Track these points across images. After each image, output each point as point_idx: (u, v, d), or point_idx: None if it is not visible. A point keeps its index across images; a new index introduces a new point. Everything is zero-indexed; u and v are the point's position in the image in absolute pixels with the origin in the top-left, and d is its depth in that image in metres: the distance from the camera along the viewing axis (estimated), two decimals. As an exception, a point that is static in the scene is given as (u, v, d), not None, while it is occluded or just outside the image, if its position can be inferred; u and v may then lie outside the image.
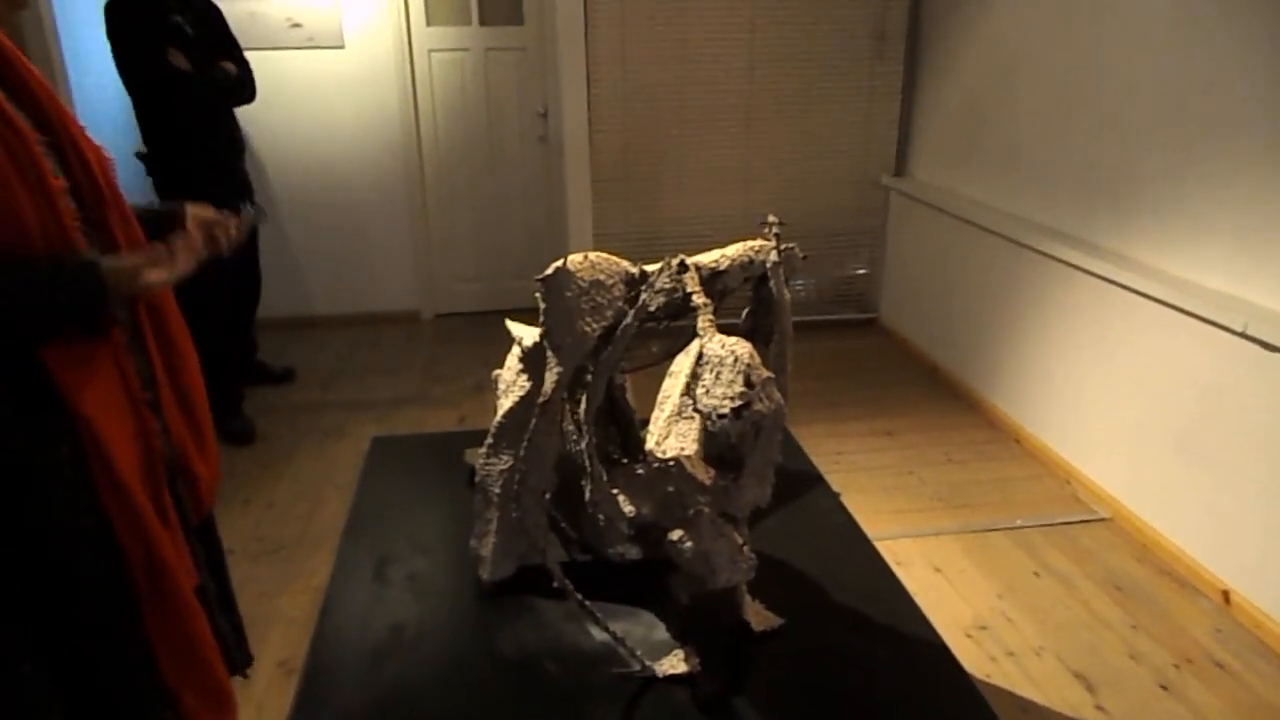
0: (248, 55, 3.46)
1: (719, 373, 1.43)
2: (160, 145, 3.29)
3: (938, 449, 3.31)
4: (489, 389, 3.55)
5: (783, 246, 1.61)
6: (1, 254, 1.07)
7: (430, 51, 4.43)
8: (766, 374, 1.38)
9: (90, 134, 1.27)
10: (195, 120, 3.28)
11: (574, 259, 1.48)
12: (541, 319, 1.54)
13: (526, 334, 1.77)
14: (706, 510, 1.41)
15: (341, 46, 4.32)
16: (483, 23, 4.43)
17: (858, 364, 4.14)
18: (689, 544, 1.39)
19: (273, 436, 3.39)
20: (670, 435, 1.68)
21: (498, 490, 1.57)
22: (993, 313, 3.59)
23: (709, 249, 1.57)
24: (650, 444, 1.68)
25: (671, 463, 1.53)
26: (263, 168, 4.40)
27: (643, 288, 1.45)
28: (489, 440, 1.67)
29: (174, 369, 1.35)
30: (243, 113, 4.15)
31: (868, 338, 4.47)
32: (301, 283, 4.61)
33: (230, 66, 3.38)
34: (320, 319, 4.65)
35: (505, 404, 1.78)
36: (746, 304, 1.73)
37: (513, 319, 1.92)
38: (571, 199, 4.18)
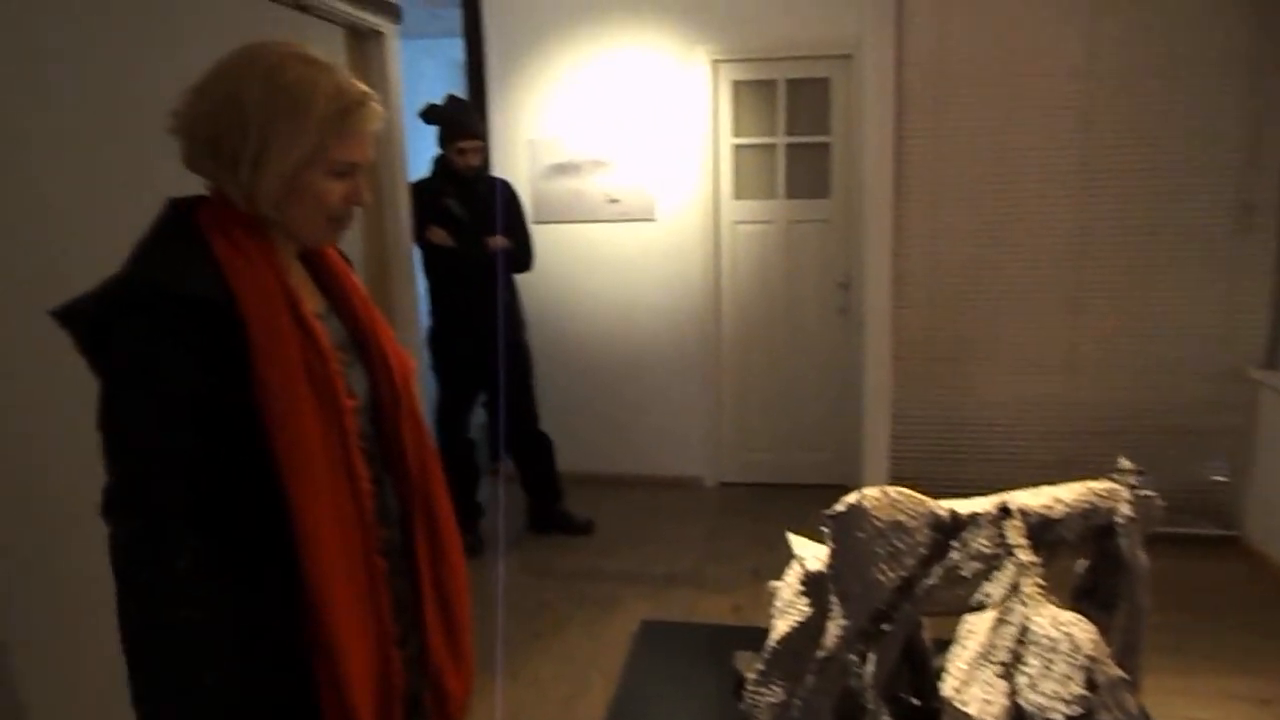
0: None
1: (1050, 662, 1.13)
2: (433, 315, 3.80)
3: (1339, 730, 2.55)
4: (766, 576, 3.32)
5: (1138, 495, 1.29)
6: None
7: (735, 223, 4.52)
8: (1115, 673, 1.06)
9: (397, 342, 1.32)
10: (455, 289, 3.72)
11: (870, 495, 1.28)
12: (829, 560, 1.34)
13: (809, 553, 1.57)
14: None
15: (652, 219, 4.54)
16: (789, 196, 4.46)
17: (1214, 596, 3.39)
18: None
19: (547, 603, 3.39)
20: (974, 683, 1.37)
21: (766, 727, 1.36)
22: None
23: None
24: (948, 689, 1.39)
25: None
26: (569, 329, 4.67)
27: (952, 544, 1.21)
28: (761, 666, 1.48)
29: (442, 582, 1.32)
30: (553, 278, 4.44)
31: (1227, 562, 3.69)
32: (591, 441, 4.72)
33: (498, 241, 3.71)
34: (607, 477, 4.73)
35: (781, 628, 1.57)
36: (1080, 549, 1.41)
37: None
38: (870, 374, 3.96)
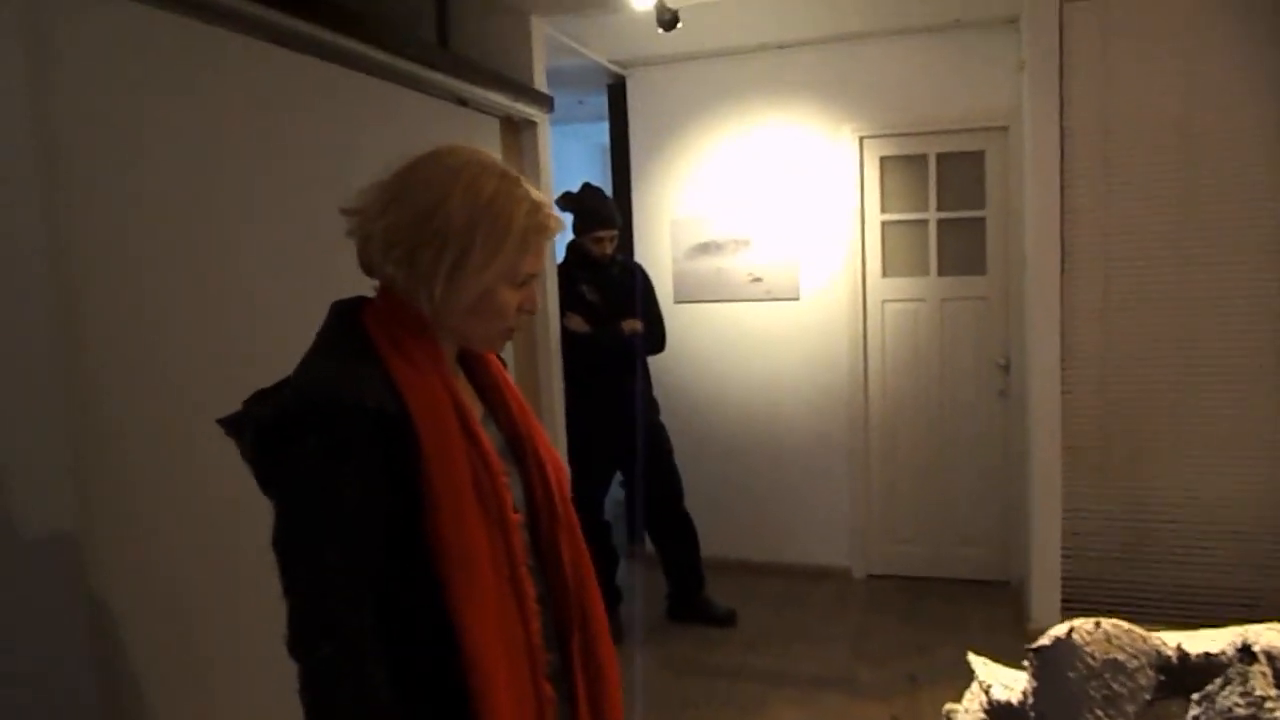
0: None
1: None
2: (566, 397, 3.71)
3: None
4: (925, 684, 3.06)
5: None
6: None
7: (884, 302, 4.35)
8: None
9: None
10: (589, 372, 3.68)
11: (1082, 628, 1.11)
12: (1030, 699, 1.17)
13: (996, 679, 1.40)
14: None
15: (797, 299, 4.43)
16: (941, 273, 4.27)
17: None
18: None
19: (692, 703, 3.22)
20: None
21: None
22: None
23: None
24: None
25: None
26: (710, 410, 4.57)
27: (1193, 698, 1.02)
28: (938, 812, 1.30)
29: (598, 703, 1.24)
30: (695, 358, 4.44)
31: None
32: (732, 526, 4.56)
33: (630, 324, 3.71)
34: (750, 565, 4.54)
35: (961, 761, 1.40)
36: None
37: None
38: (1035, 464, 3.66)
